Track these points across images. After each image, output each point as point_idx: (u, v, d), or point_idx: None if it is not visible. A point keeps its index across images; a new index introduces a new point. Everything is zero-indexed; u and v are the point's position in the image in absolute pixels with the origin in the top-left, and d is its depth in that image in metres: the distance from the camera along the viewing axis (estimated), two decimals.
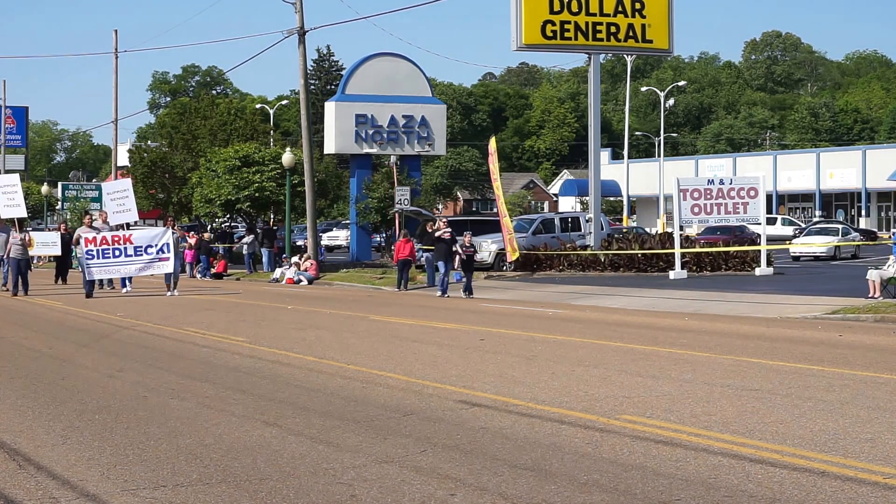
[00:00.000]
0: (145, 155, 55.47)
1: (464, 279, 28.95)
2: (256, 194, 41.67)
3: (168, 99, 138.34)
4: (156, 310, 23.59)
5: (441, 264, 29.73)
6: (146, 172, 54.74)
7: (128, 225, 32.12)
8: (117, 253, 28.39)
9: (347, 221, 56.48)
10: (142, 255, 28.57)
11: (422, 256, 33.53)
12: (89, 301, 26.62)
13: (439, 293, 29.03)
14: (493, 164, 37.18)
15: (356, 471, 8.09)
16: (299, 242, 46.70)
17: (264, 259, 41.88)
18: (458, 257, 29.53)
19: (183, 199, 50.82)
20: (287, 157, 40.39)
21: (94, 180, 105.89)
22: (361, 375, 12.91)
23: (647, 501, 7.22)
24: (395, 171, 41.44)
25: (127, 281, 29.82)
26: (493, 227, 40.23)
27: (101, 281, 30.37)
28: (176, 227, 30.37)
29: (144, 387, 12.25)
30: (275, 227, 43.35)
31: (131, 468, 8.27)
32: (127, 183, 33.44)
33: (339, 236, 62.77)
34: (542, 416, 10.19)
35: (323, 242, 52.40)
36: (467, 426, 9.72)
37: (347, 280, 36.07)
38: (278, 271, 38.13)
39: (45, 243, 35.63)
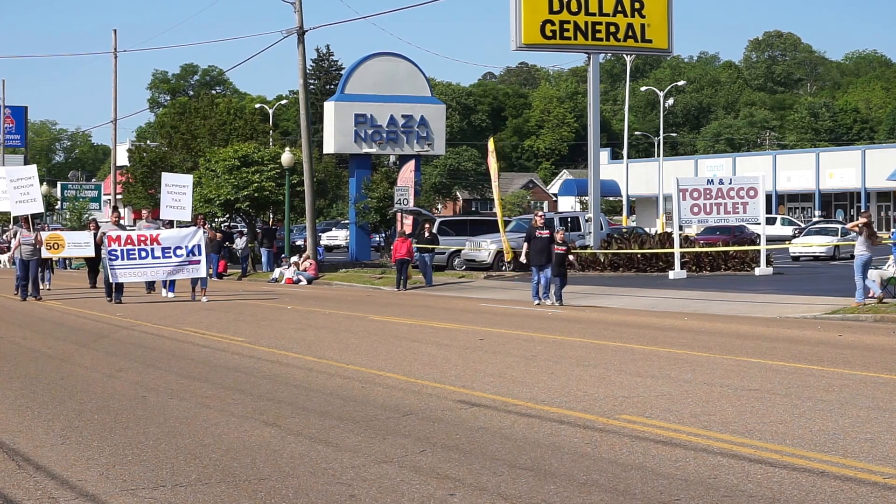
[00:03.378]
0: (144, 154, 55.50)
1: (551, 284, 25.02)
2: (255, 194, 41.65)
3: (167, 98, 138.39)
4: (155, 310, 23.58)
5: (535, 268, 25.17)
6: (146, 172, 54.77)
7: (170, 223, 29.79)
8: (143, 254, 25.73)
9: (346, 221, 56.53)
10: (170, 257, 25.95)
11: (418, 258, 33.53)
12: (89, 301, 26.55)
13: (537, 301, 24.94)
14: (492, 164, 37.32)
15: (355, 471, 8.08)
16: (298, 242, 46.70)
17: (263, 259, 41.84)
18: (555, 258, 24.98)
19: None
20: (286, 157, 40.39)
21: (92, 180, 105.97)
22: (360, 375, 12.91)
23: (647, 501, 7.22)
24: (412, 173, 40.96)
25: (170, 284, 27.50)
26: (493, 227, 40.26)
27: (148, 284, 28.41)
28: (206, 227, 27.62)
29: (144, 387, 12.24)
30: (274, 227, 43.34)
31: (130, 468, 8.27)
32: (187, 179, 30.78)
33: (338, 236, 62.85)
34: (542, 416, 10.18)
35: (322, 242, 52.43)
36: (466, 426, 9.72)
37: (346, 280, 36.07)
38: (277, 271, 38.11)
39: (77, 244, 32.90)
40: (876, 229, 72.35)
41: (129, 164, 58.83)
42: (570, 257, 26.06)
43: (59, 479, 7.95)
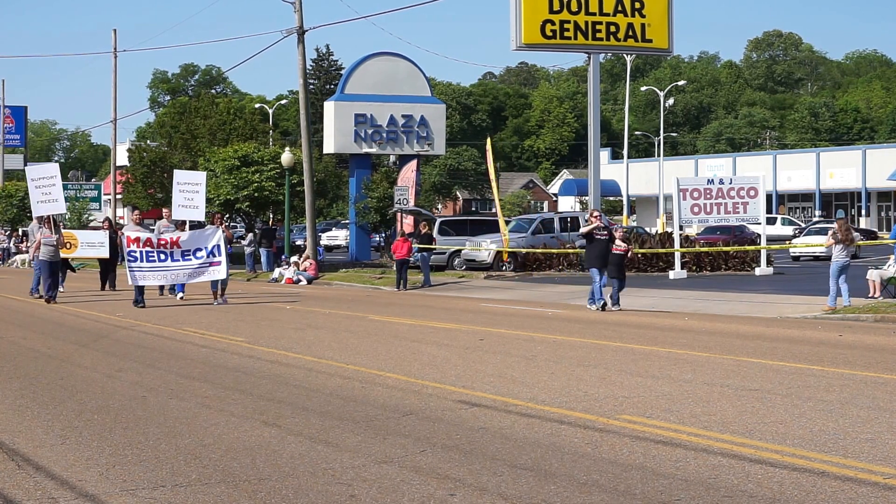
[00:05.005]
0: (145, 154, 55.49)
1: (609, 286, 23.05)
2: (255, 194, 41.65)
3: (167, 98, 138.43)
4: (155, 310, 23.53)
5: (595, 271, 22.91)
6: (146, 172, 54.78)
7: (189, 223, 28.35)
8: (163, 256, 24.68)
9: (347, 221, 56.54)
10: (190, 259, 24.81)
11: (418, 259, 33.50)
12: (93, 303, 26.51)
13: (593, 306, 22.81)
14: (490, 163, 37.59)
15: (355, 471, 8.07)
16: (298, 242, 46.67)
17: (263, 259, 41.80)
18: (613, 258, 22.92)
19: None
20: (286, 157, 40.40)
21: (93, 180, 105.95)
22: (360, 375, 12.90)
23: (647, 501, 7.21)
24: (413, 172, 41.17)
25: (180, 287, 26.42)
26: (493, 226, 40.29)
27: (160, 287, 26.94)
28: (224, 227, 26.21)
29: (143, 387, 12.23)
30: (274, 227, 43.32)
31: (130, 468, 8.26)
32: (200, 176, 29.29)
33: (338, 236, 62.87)
34: (542, 416, 10.18)
35: (322, 242, 52.42)
36: (466, 426, 9.71)
37: (346, 280, 36.06)
38: (277, 271, 38.09)
39: (92, 244, 31.81)
40: (876, 229, 71.40)
41: (129, 164, 58.79)
42: (625, 250, 23.21)
43: (58, 480, 7.94)
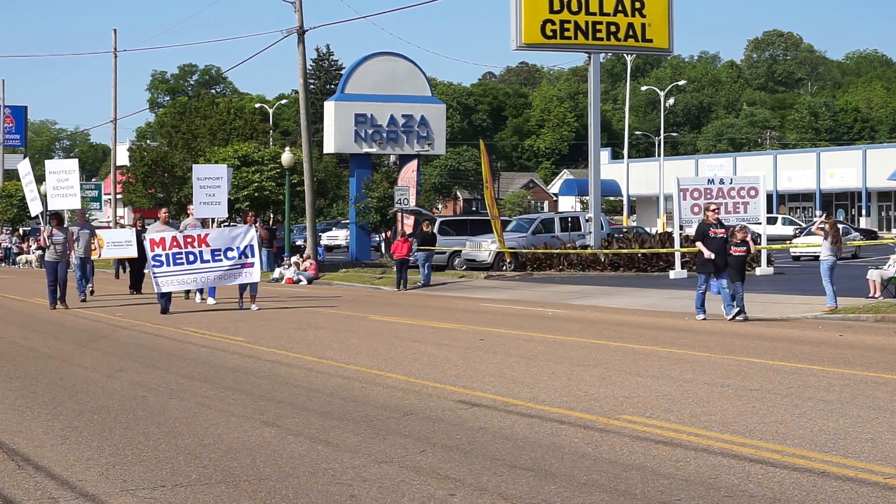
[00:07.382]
0: (145, 154, 55.51)
1: (728, 290, 20.17)
2: (255, 194, 41.63)
3: (167, 98, 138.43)
4: (154, 310, 23.52)
5: (703, 277, 20.66)
6: (146, 172, 54.82)
7: (218, 222, 26.75)
8: (192, 258, 22.63)
9: (347, 221, 56.55)
10: (221, 259, 22.88)
11: (416, 259, 33.47)
12: (92, 301, 26.49)
13: (702, 316, 20.62)
14: (483, 167, 37.85)
15: (355, 471, 8.07)
16: (299, 242, 46.66)
17: (263, 259, 41.73)
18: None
19: (182, 198, 50.88)
20: (286, 157, 40.41)
21: (93, 180, 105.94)
22: (361, 375, 12.90)
23: (647, 501, 7.21)
24: (414, 172, 41.30)
25: (212, 290, 24.69)
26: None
27: (185, 290, 25.13)
28: (258, 226, 24.37)
29: (143, 387, 12.23)
30: (274, 227, 43.32)
31: (130, 468, 8.26)
32: (221, 170, 28.04)
33: (338, 236, 62.90)
34: (542, 416, 10.17)
35: (322, 242, 52.41)
36: (467, 426, 9.71)
37: (347, 280, 36.06)
38: (277, 271, 38.09)
39: (118, 243, 29.92)
40: (876, 229, 71.48)
41: (129, 164, 58.81)
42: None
43: (59, 480, 7.94)
